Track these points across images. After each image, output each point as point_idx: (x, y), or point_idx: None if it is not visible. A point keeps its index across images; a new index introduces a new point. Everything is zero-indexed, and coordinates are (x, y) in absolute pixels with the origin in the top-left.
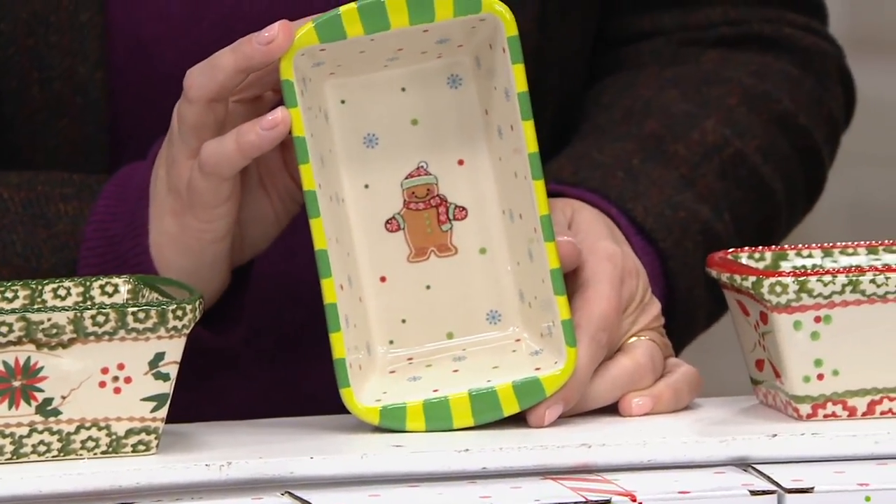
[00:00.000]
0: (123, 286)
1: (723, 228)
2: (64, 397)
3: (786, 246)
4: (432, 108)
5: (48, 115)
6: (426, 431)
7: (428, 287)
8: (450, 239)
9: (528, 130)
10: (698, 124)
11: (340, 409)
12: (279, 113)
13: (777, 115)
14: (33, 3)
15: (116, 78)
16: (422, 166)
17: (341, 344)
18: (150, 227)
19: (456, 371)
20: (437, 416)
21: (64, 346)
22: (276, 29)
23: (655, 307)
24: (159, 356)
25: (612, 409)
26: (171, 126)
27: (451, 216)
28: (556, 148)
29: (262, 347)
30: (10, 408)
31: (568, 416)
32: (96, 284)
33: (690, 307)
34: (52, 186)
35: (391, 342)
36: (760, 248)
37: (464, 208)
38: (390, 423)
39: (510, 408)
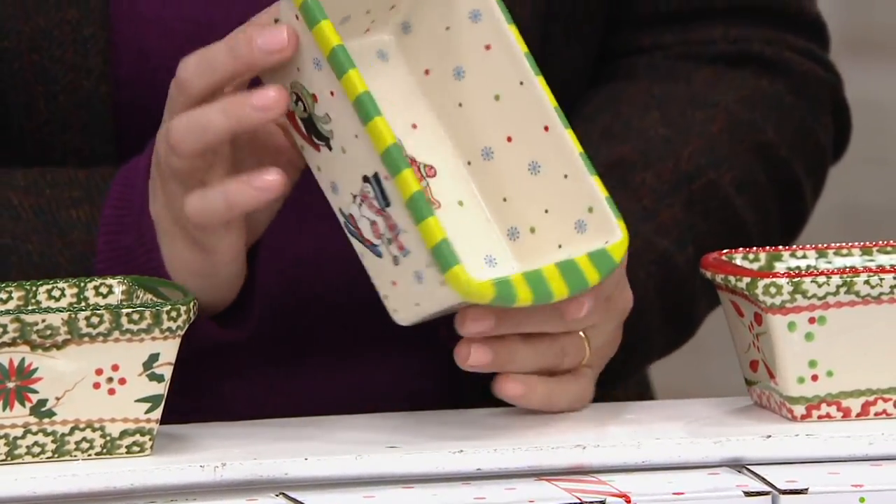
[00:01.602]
0: (118, 287)
1: (684, 260)
2: (58, 398)
3: (780, 247)
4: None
5: (54, 128)
6: (533, 304)
7: None
8: (430, 195)
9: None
10: (675, 152)
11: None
12: (273, 174)
13: (758, 145)
14: (37, 18)
15: (121, 92)
16: None
17: (438, 225)
18: (160, 245)
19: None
20: (539, 289)
21: (58, 347)
22: (272, 95)
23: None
24: (154, 357)
25: (606, 411)
26: (158, 157)
27: (423, 174)
28: None
29: (270, 356)
30: (4, 409)
31: (561, 417)
32: (90, 285)
33: (639, 332)
34: (60, 189)
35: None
36: (755, 248)
37: (432, 167)
38: (503, 297)
39: (592, 278)
